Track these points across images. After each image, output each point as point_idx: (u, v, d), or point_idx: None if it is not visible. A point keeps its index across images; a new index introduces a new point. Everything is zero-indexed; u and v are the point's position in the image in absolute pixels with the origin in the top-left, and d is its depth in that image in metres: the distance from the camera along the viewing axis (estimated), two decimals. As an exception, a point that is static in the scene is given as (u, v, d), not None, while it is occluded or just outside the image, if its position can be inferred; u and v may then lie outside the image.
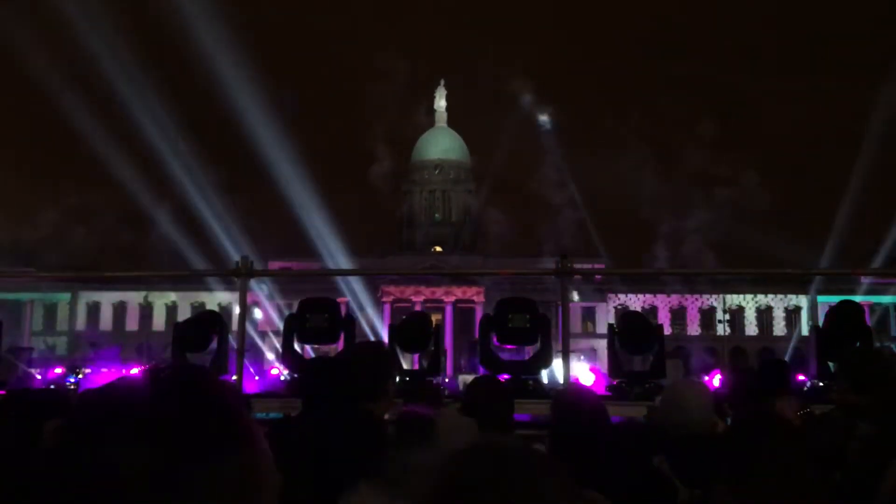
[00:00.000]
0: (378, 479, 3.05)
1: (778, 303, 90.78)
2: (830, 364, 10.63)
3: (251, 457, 1.08)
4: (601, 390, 12.27)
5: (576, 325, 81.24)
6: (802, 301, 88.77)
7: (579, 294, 79.80)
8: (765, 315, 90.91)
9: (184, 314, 71.94)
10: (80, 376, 35.19)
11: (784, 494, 2.63)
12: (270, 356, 49.59)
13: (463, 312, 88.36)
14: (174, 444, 1.00)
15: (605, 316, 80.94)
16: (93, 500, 0.97)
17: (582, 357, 49.33)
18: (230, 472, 1.03)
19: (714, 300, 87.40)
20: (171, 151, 75.36)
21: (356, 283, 75.88)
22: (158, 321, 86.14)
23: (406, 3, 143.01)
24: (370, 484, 3.08)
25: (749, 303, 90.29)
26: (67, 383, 30.06)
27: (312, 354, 21.97)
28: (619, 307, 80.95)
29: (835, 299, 13.84)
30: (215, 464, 1.02)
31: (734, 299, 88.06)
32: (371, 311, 77.14)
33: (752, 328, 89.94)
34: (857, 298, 22.04)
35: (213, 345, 11.39)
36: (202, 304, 79.03)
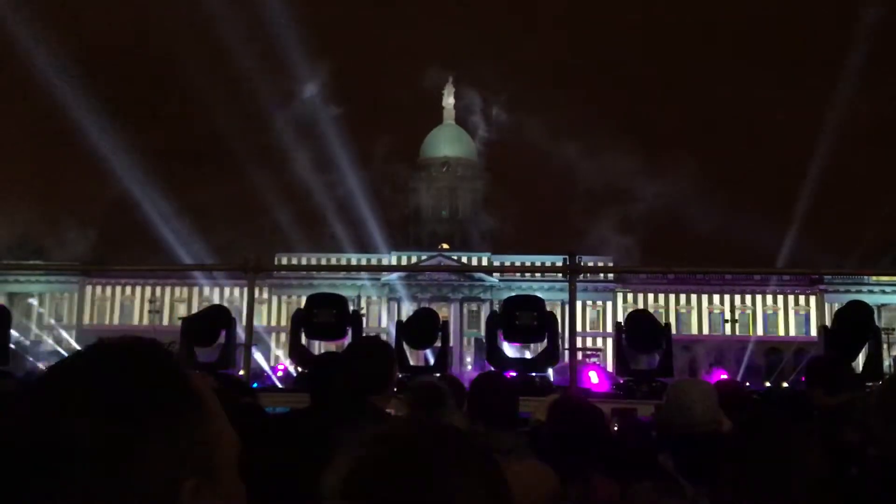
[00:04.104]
0: None
1: (786, 303, 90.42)
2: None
3: (193, 424, 1.07)
4: (606, 389, 12.26)
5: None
6: (811, 301, 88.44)
7: (587, 292, 79.71)
8: (772, 315, 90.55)
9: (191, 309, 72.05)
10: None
11: (784, 492, 2.64)
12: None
13: (470, 309, 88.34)
14: (110, 411, 1.01)
15: (613, 314, 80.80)
16: (31, 471, 0.98)
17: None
18: (170, 438, 1.03)
19: (721, 300, 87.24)
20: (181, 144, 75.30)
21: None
22: (165, 316, 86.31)
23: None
24: None
25: (757, 303, 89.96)
26: None
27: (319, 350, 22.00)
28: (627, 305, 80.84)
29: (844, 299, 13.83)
30: (151, 429, 1.02)
31: (742, 299, 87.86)
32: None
33: (759, 328, 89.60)
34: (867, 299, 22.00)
35: (222, 339, 11.41)
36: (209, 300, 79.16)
